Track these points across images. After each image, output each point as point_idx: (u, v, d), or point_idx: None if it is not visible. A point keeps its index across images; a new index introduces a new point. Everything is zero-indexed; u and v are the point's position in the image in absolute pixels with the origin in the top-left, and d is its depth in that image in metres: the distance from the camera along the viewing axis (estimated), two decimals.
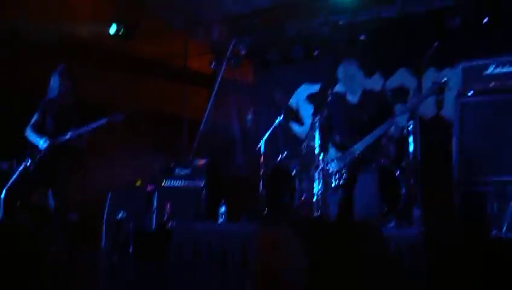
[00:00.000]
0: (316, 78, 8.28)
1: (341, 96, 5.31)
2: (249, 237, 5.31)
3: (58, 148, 5.89)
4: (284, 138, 8.33)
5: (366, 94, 5.23)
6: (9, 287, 4.28)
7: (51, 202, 5.93)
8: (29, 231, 5.74)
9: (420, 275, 4.52)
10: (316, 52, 8.21)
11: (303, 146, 6.88)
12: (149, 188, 7.44)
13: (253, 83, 9.26)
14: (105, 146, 7.63)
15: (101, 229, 7.36)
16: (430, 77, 7.27)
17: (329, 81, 5.51)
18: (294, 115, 6.92)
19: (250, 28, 8.67)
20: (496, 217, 5.09)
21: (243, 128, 8.87)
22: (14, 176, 5.82)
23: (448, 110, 6.97)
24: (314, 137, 5.42)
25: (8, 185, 5.78)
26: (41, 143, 5.87)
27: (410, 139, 6.01)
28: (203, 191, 7.26)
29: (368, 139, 5.01)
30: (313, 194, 5.80)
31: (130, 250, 6.68)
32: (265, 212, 6.51)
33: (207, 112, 9.08)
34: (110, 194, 7.50)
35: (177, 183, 7.47)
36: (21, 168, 5.84)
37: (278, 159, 6.99)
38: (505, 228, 4.98)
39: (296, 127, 8.28)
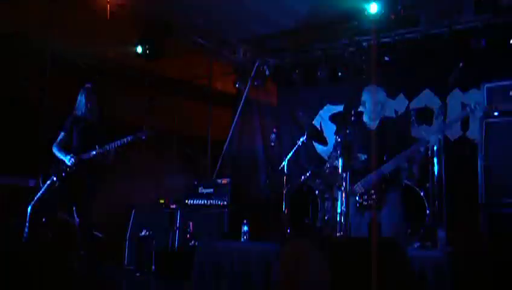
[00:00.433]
0: (340, 99, 8.28)
1: (362, 120, 5.34)
2: (272, 257, 5.29)
3: (83, 165, 5.97)
4: (307, 158, 8.33)
5: (384, 122, 5.28)
6: None
7: (76, 218, 5.99)
8: (54, 248, 5.80)
9: None
10: (339, 74, 8.21)
11: (326, 166, 6.86)
12: (172, 206, 7.47)
13: (277, 104, 9.29)
14: (129, 164, 7.68)
15: (124, 247, 7.40)
16: (454, 98, 7.25)
17: (352, 101, 5.51)
18: (317, 135, 6.90)
19: (274, 48, 8.74)
20: None
21: (267, 148, 8.89)
22: (40, 193, 5.90)
23: (473, 131, 6.93)
24: (337, 157, 5.42)
25: (34, 202, 5.86)
26: (67, 160, 5.95)
27: (435, 160, 5.96)
28: (226, 210, 7.28)
29: (396, 160, 5.02)
30: (336, 214, 5.78)
31: (153, 268, 6.70)
32: (288, 232, 6.47)
33: (231, 131, 9.13)
34: (133, 212, 7.55)
35: (200, 202, 7.50)
36: (47, 185, 5.92)
37: (301, 178, 6.97)
38: None
39: (319, 147, 8.28)
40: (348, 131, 4.89)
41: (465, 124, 7.17)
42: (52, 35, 7.21)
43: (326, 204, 6.56)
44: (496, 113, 5.61)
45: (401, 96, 7.81)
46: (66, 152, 6.03)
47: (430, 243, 5.38)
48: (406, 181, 6.12)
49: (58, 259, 5.60)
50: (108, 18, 7.48)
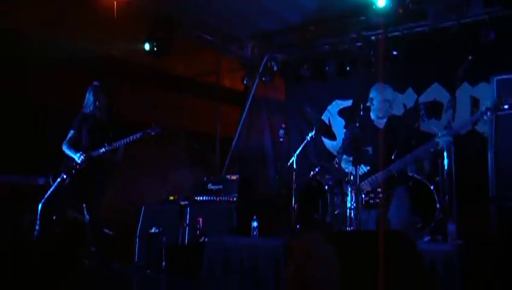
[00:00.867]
0: (348, 94, 8.26)
1: (370, 117, 5.33)
2: (281, 252, 5.30)
3: (93, 163, 5.99)
4: (316, 153, 8.31)
5: (391, 120, 5.27)
6: None
7: (86, 215, 6.02)
8: (64, 244, 5.83)
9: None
10: (348, 68, 8.19)
11: (335, 161, 6.85)
12: (182, 203, 7.49)
13: (285, 99, 9.28)
14: (139, 161, 7.71)
15: (134, 244, 7.42)
16: (464, 91, 7.21)
17: (361, 96, 5.50)
18: (326, 130, 6.89)
19: (282, 44, 8.72)
20: None
21: (275, 144, 8.88)
22: (50, 191, 5.93)
23: (483, 125, 6.89)
24: (346, 152, 5.42)
25: (45, 200, 5.89)
26: (77, 157, 5.98)
27: (445, 154, 5.93)
28: (235, 206, 7.28)
29: (406, 159, 5.02)
30: (346, 209, 5.77)
31: (163, 264, 6.71)
32: (298, 227, 6.47)
33: (239, 128, 9.13)
34: (143, 208, 7.57)
35: (209, 198, 7.51)
36: (57, 182, 5.95)
37: (311, 174, 6.96)
38: None
39: (328, 142, 8.26)
40: (357, 124, 4.88)
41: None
42: (59, 33, 7.24)
43: (335, 199, 6.55)
44: (505, 106, 5.57)
45: (410, 90, 7.78)
46: (76, 150, 6.05)
47: (441, 237, 5.36)
48: (416, 175, 6.11)
49: (68, 256, 5.62)
50: (116, 16, 7.50)
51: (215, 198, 7.49)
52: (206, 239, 6.39)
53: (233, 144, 9.09)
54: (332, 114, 8.47)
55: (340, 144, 6.61)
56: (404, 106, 7.67)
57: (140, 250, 7.38)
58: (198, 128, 9.45)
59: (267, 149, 9.06)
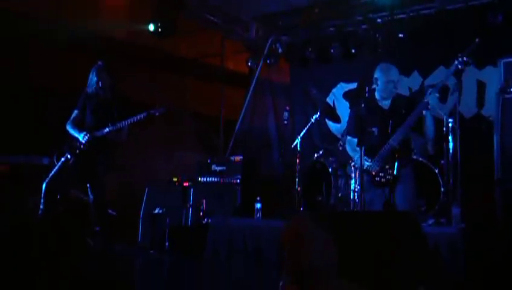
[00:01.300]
0: (353, 77, 8.19)
1: (375, 97, 5.30)
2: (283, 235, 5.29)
3: (97, 142, 5.99)
4: (320, 136, 8.30)
5: (396, 99, 5.23)
6: (48, 279, 4.35)
7: (90, 195, 6.03)
8: (68, 224, 5.84)
9: (458, 273, 4.45)
10: (353, 51, 8.13)
11: (339, 143, 6.84)
12: (185, 184, 7.49)
13: (290, 82, 9.24)
14: (142, 142, 7.70)
15: (137, 224, 7.44)
16: (470, 75, 7.16)
17: (366, 77, 5.46)
18: (330, 112, 6.87)
19: (287, 26, 8.66)
20: None
21: (279, 127, 8.87)
22: (54, 170, 5.94)
23: (489, 109, 6.86)
24: (351, 133, 5.40)
25: (48, 179, 5.90)
26: (81, 137, 5.98)
27: (450, 137, 5.91)
28: (239, 188, 7.28)
29: (403, 129, 4.97)
30: (350, 191, 5.77)
31: (166, 245, 6.73)
32: (302, 209, 6.48)
33: (243, 110, 9.11)
34: (147, 189, 7.58)
35: (213, 179, 7.51)
36: (61, 162, 5.95)
37: (315, 156, 6.95)
38: None
39: (332, 125, 8.24)
40: (362, 105, 4.84)
41: (480, 101, 7.10)
42: (61, 14, 7.21)
43: (339, 181, 6.55)
44: None
45: (416, 73, 7.74)
46: (80, 129, 6.05)
47: (445, 220, 5.36)
48: (420, 158, 6.09)
49: (72, 236, 5.64)
50: None
51: (218, 179, 7.48)
52: (210, 220, 6.41)
53: (237, 126, 9.06)
54: (337, 97, 8.43)
55: (344, 127, 6.60)
56: (410, 89, 7.64)
57: (144, 231, 7.39)
58: (202, 110, 9.43)
59: (271, 131, 9.04)
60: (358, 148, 4.95)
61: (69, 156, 5.97)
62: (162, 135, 8.19)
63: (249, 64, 9.16)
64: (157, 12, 7.86)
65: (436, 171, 6.10)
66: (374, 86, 5.27)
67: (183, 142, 8.54)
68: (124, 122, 5.97)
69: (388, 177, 4.98)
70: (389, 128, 5.05)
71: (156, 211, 7.16)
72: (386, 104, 5.22)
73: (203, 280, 5.56)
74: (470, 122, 7.10)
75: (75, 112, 6.20)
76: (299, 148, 6.53)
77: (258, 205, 6.31)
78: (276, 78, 9.38)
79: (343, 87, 8.44)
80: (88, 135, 5.98)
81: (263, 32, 8.96)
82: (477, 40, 5.38)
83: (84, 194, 6.16)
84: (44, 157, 6.79)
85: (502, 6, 6.84)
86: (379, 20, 7.89)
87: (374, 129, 5.10)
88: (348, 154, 5.61)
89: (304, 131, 6.60)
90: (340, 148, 6.76)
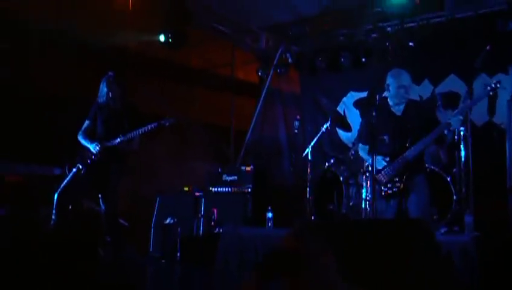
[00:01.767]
0: (363, 85, 8.19)
1: (387, 104, 5.29)
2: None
3: (108, 153, 6.01)
4: (331, 145, 8.28)
5: (409, 105, 5.22)
6: (60, 289, 4.36)
7: (102, 205, 6.05)
8: (80, 234, 5.86)
9: (472, 281, 4.41)
10: (363, 60, 8.13)
11: (351, 152, 6.83)
12: (196, 194, 7.49)
13: (300, 91, 9.25)
14: (153, 152, 7.72)
15: (149, 234, 7.44)
16: (481, 83, 7.12)
17: (377, 86, 5.46)
18: (341, 121, 6.85)
19: (297, 36, 8.68)
20: None
21: (290, 136, 8.87)
22: (66, 181, 5.96)
23: (501, 116, 6.83)
24: (362, 140, 5.39)
25: (60, 190, 5.92)
26: (92, 148, 6.01)
27: (462, 145, 5.89)
28: (250, 197, 7.28)
29: (420, 145, 4.96)
30: (361, 201, 5.75)
31: (178, 255, 6.73)
32: (313, 218, 6.46)
33: (254, 119, 9.12)
34: (158, 199, 7.59)
35: (224, 189, 7.51)
36: (73, 172, 5.98)
37: (326, 165, 6.95)
38: None
39: (343, 134, 8.23)
40: (373, 113, 4.83)
41: (491, 109, 7.07)
42: (74, 25, 7.26)
43: (350, 190, 6.54)
44: None
45: (426, 82, 7.73)
46: (91, 140, 6.08)
47: (457, 228, 5.33)
48: (432, 167, 6.07)
49: (83, 245, 5.65)
50: (131, 8, 7.51)
51: (230, 189, 7.49)
52: (221, 230, 6.40)
53: (248, 135, 9.07)
54: (347, 106, 8.43)
55: (355, 136, 6.59)
56: (421, 97, 7.62)
57: (155, 240, 7.40)
58: (212, 120, 9.44)
59: (282, 141, 9.05)
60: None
61: (80, 167, 5.99)
62: (172, 145, 8.19)
63: (259, 74, 9.19)
64: (167, 22, 7.92)
65: (449, 179, 6.07)
66: (385, 94, 5.26)
67: (194, 153, 8.54)
68: (134, 133, 5.99)
69: (395, 189, 4.97)
70: (404, 137, 5.04)
71: (168, 221, 7.16)
72: (399, 109, 5.20)
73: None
74: (482, 130, 7.07)
75: (86, 122, 6.24)
76: (310, 158, 6.53)
77: (269, 215, 6.30)
78: (286, 88, 9.39)
79: (353, 96, 8.43)
80: (99, 145, 6.00)
81: (273, 42, 8.98)
82: (488, 47, 5.38)
83: (96, 204, 6.18)
84: (56, 168, 6.82)
85: (511, 14, 6.83)
86: (389, 28, 7.89)
87: (385, 137, 5.09)
88: (360, 163, 5.60)
89: (315, 140, 6.60)
90: (352, 157, 6.75)
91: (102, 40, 7.59)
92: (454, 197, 5.94)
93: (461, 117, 5.03)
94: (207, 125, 9.27)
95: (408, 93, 5.22)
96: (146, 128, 6.00)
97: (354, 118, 7.91)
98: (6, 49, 6.88)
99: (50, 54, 7.41)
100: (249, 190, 7.32)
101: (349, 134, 7.62)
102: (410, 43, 7.63)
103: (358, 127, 6.05)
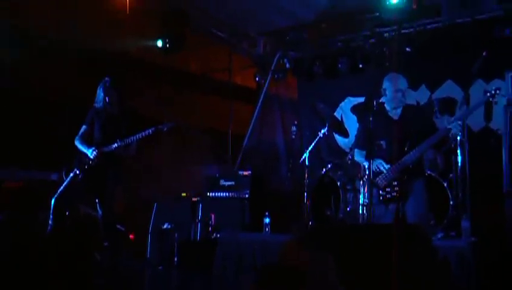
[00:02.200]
0: (361, 91, 8.20)
1: (384, 109, 5.30)
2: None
3: (105, 158, 6.01)
4: (328, 150, 8.29)
5: (407, 109, 5.23)
6: None
7: (99, 211, 6.04)
8: (77, 240, 5.85)
9: (469, 286, 4.42)
10: (361, 65, 8.16)
11: (348, 157, 6.84)
12: (194, 199, 7.49)
13: (297, 97, 9.26)
14: (150, 157, 7.72)
15: (146, 240, 7.44)
16: (477, 88, 7.15)
17: (374, 91, 5.47)
18: (338, 126, 6.86)
19: (295, 41, 8.70)
20: None
21: (287, 141, 8.87)
22: (63, 186, 5.95)
23: (497, 122, 6.84)
24: (359, 146, 5.40)
25: (57, 195, 5.90)
26: (90, 153, 6.00)
27: (459, 151, 5.90)
28: (248, 202, 7.28)
29: (420, 149, 4.97)
30: (359, 206, 5.75)
31: (175, 260, 6.72)
32: (310, 224, 6.46)
33: (251, 125, 9.13)
34: (155, 205, 7.58)
35: (221, 194, 7.51)
36: (70, 177, 5.97)
37: (323, 170, 6.95)
38: None
39: (340, 139, 8.24)
40: (370, 119, 4.84)
41: (488, 115, 7.08)
42: (72, 31, 7.27)
43: (348, 196, 6.54)
44: None
45: (423, 87, 7.76)
46: (88, 145, 6.08)
47: (454, 234, 5.34)
48: (429, 172, 6.08)
49: (80, 250, 5.64)
50: (128, 12, 7.51)
51: (227, 194, 7.49)
52: (218, 235, 6.40)
53: (245, 141, 9.08)
54: (345, 111, 8.45)
55: (352, 141, 6.61)
56: (418, 102, 7.64)
57: (153, 246, 7.39)
58: (210, 125, 9.44)
59: (279, 146, 9.06)
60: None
61: (77, 172, 5.99)
62: (170, 150, 8.20)
63: (257, 79, 9.21)
64: (164, 27, 7.92)
65: (445, 184, 6.09)
66: (382, 99, 5.27)
67: (191, 157, 8.54)
68: (132, 138, 5.99)
69: (394, 193, 4.98)
70: (402, 142, 5.04)
71: (165, 226, 7.16)
72: (396, 113, 5.21)
73: None
74: (478, 136, 7.09)
75: (84, 127, 6.23)
76: (307, 163, 6.54)
77: (267, 220, 6.31)
78: (283, 93, 9.41)
79: (350, 101, 8.45)
80: (96, 150, 6.00)
81: (271, 48, 9.01)
82: (484, 53, 5.41)
83: (93, 209, 6.17)
84: (53, 173, 6.81)
85: (508, 20, 6.87)
86: (386, 34, 7.93)
87: (382, 142, 5.10)
88: (357, 169, 5.61)
89: (312, 145, 6.60)
90: (349, 162, 6.76)
91: (100, 45, 7.60)
92: (451, 202, 5.96)
93: (460, 123, 5.04)
94: (205, 129, 9.27)
95: (405, 97, 5.23)
96: (143, 133, 6.00)
97: (352, 124, 7.92)
98: (6, 55, 6.89)
99: (48, 60, 7.41)
100: (247, 195, 7.32)
101: (346, 139, 7.63)
102: (407, 49, 7.65)
103: (355, 133, 6.05)
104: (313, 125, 8.42)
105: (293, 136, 7.12)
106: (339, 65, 8.32)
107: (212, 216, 7.03)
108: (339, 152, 8.13)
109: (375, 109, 5.04)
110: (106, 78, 6.23)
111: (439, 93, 7.60)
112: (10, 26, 6.98)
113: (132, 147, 6.09)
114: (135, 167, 6.86)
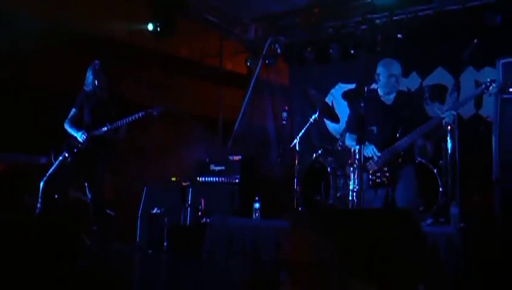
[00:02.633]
0: (352, 77, 8.22)
1: (377, 95, 5.31)
2: (282, 234, 5.31)
3: (95, 141, 5.98)
4: (319, 136, 8.30)
5: (400, 95, 5.25)
6: (46, 276, 4.35)
7: (88, 195, 6.02)
8: (66, 224, 5.84)
9: (457, 272, 4.45)
10: (352, 52, 8.14)
11: (338, 143, 6.84)
12: (184, 183, 7.48)
13: (288, 82, 9.25)
14: (140, 142, 7.69)
15: (136, 224, 7.42)
16: (468, 76, 7.17)
17: (365, 77, 5.48)
18: (329, 112, 6.86)
19: (286, 26, 8.67)
20: None
21: (278, 127, 8.87)
22: (52, 169, 5.92)
23: (487, 109, 6.87)
24: (350, 131, 5.40)
25: (46, 178, 5.88)
26: (79, 136, 5.97)
27: (448, 138, 5.92)
28: (237, 188, 7.28)
29: (412, 136, 4.99)
30: (349, 192, 5.76)
31: (164, 245, 6.72)
32: (300, 209, 6.47)
33: (242, 110, 9.11)
34: (145, 189, 7.56)
35: (211, 179, 7.51)
36: (59, 161, 5.93)
37: (313, 156, 6.95)
38: None
39: (331, 125, 8.25)
40: (362, 105, 4.84)
41: (478, 102, 7.10)
42: (60, 14, 7.20)
43: (338, 181, 6.55)
44: (511, 90, 5.54)
45: (414, 74, 7.75)
46: (78, 128, 6.04)
47: (443, 220, 5.37)
48: (419, 158, 6.10)
49: (69, 234, 5.63)
50: None
51: (217, 179, 7.48)
52: (208, 220, 6.39)
53: (236, 126, 9.07)
54: (336, 97, 8.44)
55: (343, 127, 6.60)
56: (409, 89, 7.64)
57: (142, 230, 7.38)
58: (200, 111, 9.41)
59: (270, 131, 9.05)
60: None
61: (67, 155, 5.95)
62: (160, 135, 8.17)
63: (248, 64, 9.18)
64: (156, 12, 7.86)
65: (435, 171, 6.11)
66: (374, 85, 5.28)
67: (181, 142, 8.52)
68: (121, 121, 5.96)
69: (384, 179, 5.00)
70: (394, 127, 5.06)
71: (155, 210, 7.15)
72: (389, 99, 5.23)
73: (201, 280, 5.55)
74: (469, 123, 7.12)
75: (73, 110, 6.19)
76: (297, 148, 6.54)
77: (257, 205, 6.31)
78: (274, 79, 9.38)
79: (341, 87, 8.45)
80: (86, 133, 5.97)
81: (262, 33, 8.97)
82: (475, 41, 5.40)
83: (82, 193, 6.15)
84: (42, 157, 6.77)
85: (500, 7, 6.86)
86: (378, 21, 7.90)
87: (373, 128, 5.12)
88: (347, 154, 5.62)
89: (303, 131, 6.61)
90: (339, 148, 6.76)
91: (90, 28, 7.54)
92: (441, 189, 5.98)
93: (454, 112, 5.07)
94: (195, 115, 9.25)
95: (398, 82, 5.26)
96: (133, 117, 5.98)
97: (342, 110, 7.92)
98: None
99: (36, 43, 7.34)
100: (237, 180, 7.32)
101: (337, 125, 7.63)
102: (399, 35, 7.64)
103: (346, 119, 6.06)
104: (303, 111, 8.43)
105: (284, 122, 7.11)
106: (330, 51, 8.30)
107: (202, 201, 7.02)
108: (330, 138, 8.13)
109: (366, 95, 5.04)
110: (96, 61, 6.18)
111: (429, 80, 7.61)
112: None
113: (122, 131, 6.07)
114: (125, 151, 6.82)
